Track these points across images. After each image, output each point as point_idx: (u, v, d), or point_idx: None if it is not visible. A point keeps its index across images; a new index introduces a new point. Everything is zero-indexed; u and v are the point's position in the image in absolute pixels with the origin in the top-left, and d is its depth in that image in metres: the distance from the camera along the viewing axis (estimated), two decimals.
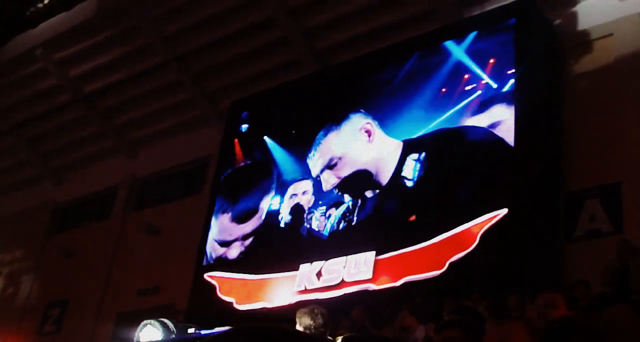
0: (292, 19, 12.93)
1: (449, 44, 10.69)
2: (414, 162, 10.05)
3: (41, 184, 17.07)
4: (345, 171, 10.88)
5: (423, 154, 10.03)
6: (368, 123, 10.94)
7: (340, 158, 11.01)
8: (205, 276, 11.56)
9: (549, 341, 1.44)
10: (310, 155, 11.42)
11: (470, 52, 10.40)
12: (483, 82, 10.09)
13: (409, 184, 10.02)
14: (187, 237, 13.08)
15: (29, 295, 15.85)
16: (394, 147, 10.46)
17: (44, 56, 15.42)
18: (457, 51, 10.54)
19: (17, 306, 15.80)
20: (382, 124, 10.86)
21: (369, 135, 10.85)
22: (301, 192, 11.42)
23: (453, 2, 11.60)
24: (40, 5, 16.04)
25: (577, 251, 8.97)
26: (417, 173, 9.96)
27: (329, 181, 10.98)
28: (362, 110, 11.19)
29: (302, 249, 10.76)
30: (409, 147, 10.28)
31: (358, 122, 11.09)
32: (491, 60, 10.17)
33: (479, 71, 10.19)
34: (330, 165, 11.07)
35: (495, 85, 9.96)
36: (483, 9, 11.23)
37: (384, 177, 10.37)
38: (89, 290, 14.50)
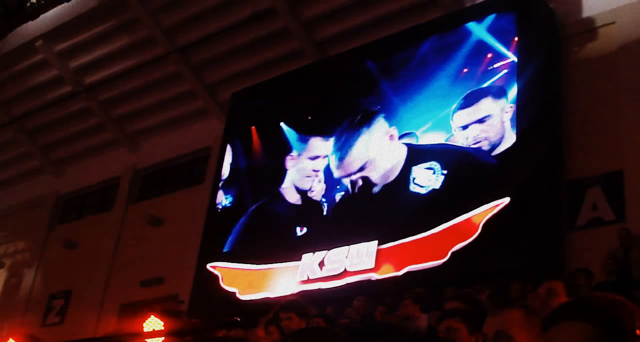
0: (292, 9, 12.87)
1: (471, 25, 10.43)
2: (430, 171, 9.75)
3: (43, 176, 17.09)
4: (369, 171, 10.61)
5: (438, 166, 9.73)
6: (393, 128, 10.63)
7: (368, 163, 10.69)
8: (208, 266, 11.58)
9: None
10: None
11: (491, 30, 10.14)
12: (509, 60, 9.83)
13: (422, 191, 9.76)
14: (189, 228, 13.10)
15: (32, 286, 15.90)
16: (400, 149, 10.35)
17: (45, 48, 15.39)
18: (478, 30, 10.26)
19: (20, 297, 15.85)
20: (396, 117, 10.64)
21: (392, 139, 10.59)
22: (323, 155, 11.28)
23: None
24: None
25: (579, 239, 8.95)
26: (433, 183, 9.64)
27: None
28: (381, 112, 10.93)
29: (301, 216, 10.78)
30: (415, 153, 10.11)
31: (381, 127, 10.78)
32: (515, 38, 9.92)
33: (503, 49, 9.91)
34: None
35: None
36: None
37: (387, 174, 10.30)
38: (92, 281, 14.54)
